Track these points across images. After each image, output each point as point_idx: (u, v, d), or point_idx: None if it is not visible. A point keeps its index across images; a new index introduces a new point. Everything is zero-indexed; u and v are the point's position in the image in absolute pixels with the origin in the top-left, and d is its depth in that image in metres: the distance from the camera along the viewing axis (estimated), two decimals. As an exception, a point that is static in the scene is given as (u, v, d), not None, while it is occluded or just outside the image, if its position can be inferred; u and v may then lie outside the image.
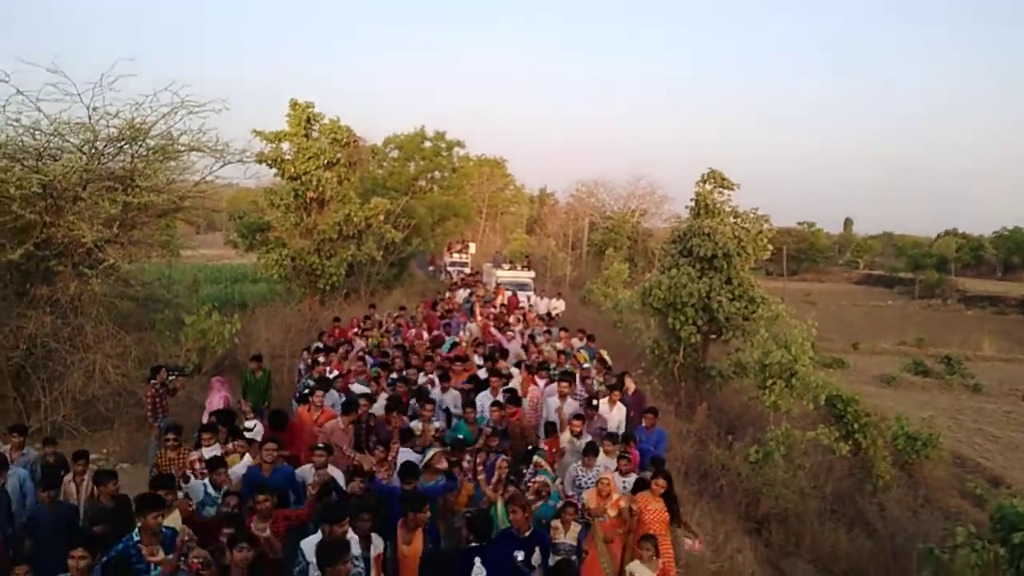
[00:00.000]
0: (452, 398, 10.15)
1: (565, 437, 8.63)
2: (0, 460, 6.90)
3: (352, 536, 5.45)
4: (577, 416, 8.72)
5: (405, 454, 7.58)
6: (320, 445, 7.22)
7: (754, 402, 16.42)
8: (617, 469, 7.77)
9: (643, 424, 9.70)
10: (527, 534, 6.06)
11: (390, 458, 7.39)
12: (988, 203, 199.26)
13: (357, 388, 10.08)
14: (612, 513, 6.91)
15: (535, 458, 7.60)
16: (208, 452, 7.27)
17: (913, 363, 38.00)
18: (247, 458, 7.28)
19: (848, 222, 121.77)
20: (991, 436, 25.72)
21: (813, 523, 12.40)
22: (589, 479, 7.52)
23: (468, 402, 9.36)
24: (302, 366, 12.35)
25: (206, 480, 6.69)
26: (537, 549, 6.02)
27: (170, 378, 10.71)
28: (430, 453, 7.45)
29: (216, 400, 10.07)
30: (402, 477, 6.73)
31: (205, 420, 8.93)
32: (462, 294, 22.43)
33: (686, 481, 11.25)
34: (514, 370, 11.33)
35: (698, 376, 18.81)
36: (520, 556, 5.90)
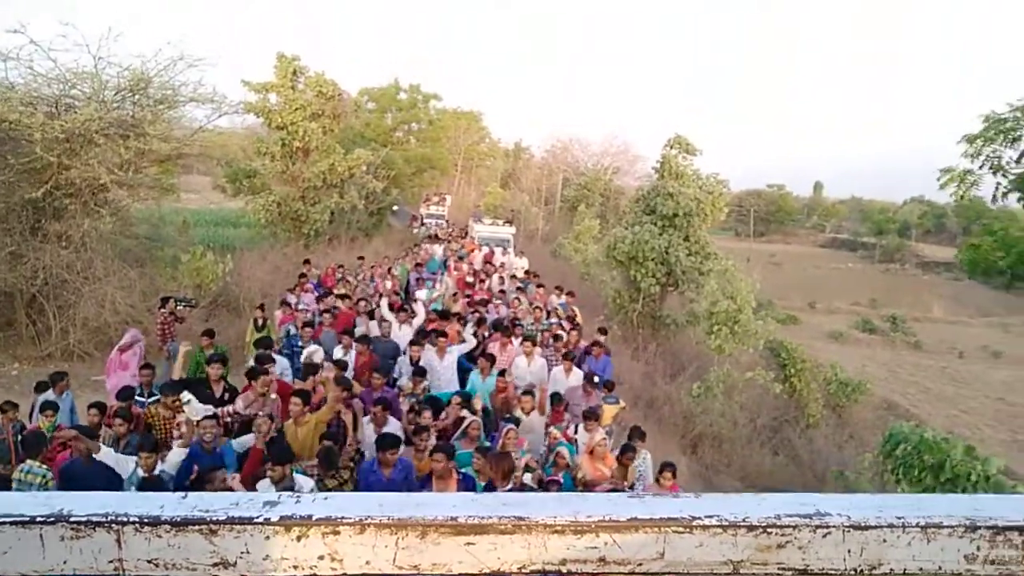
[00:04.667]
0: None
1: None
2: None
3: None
4: (526, 392, 8.32)
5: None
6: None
7: (702, 347, 18.18)
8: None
9: (592, 355, 10.97)
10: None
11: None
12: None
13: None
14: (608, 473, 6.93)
15: (552, 431, 7.41)
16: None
17: (862, 321, 40.30)
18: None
19: (818, 186, 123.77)
20: (923, 388, 28.04)
21: (742, 447, 14.24)
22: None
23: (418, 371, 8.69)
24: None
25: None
26: None
27: (178, 307, 11.99)
28: (467, 420, 7.18)
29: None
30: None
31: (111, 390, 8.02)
32: (438, 250, 21.94)
33: (634, 408, 12.88)
34: (467, 334, 10.53)
35: (655, 324, 20.54)
36: None
